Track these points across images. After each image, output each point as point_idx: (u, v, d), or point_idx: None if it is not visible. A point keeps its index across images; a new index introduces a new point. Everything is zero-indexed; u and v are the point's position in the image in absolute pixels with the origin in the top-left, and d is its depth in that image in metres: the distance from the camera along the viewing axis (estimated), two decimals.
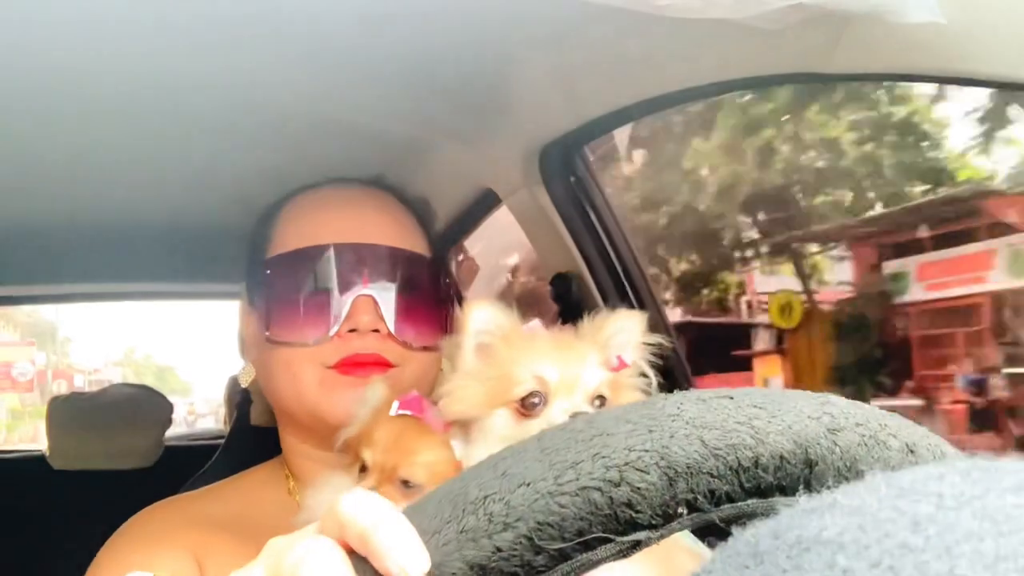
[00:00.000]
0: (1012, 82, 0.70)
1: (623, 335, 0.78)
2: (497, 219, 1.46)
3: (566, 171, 1.26)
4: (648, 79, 0.97)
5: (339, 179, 1.09)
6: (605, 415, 0.34)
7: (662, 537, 0.31)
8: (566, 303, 1.33)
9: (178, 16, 0.76)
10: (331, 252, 0.97)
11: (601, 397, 0.74)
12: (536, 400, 0.72)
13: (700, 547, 0.65)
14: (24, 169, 1.12)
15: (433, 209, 1.22)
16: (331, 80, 0.93)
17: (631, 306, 1.32)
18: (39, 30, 0.76)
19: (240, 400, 1.33)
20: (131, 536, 0.93)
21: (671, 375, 1.32)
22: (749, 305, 11.93)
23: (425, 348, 0.99)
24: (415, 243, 1.05)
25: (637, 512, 0.30)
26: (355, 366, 0.93)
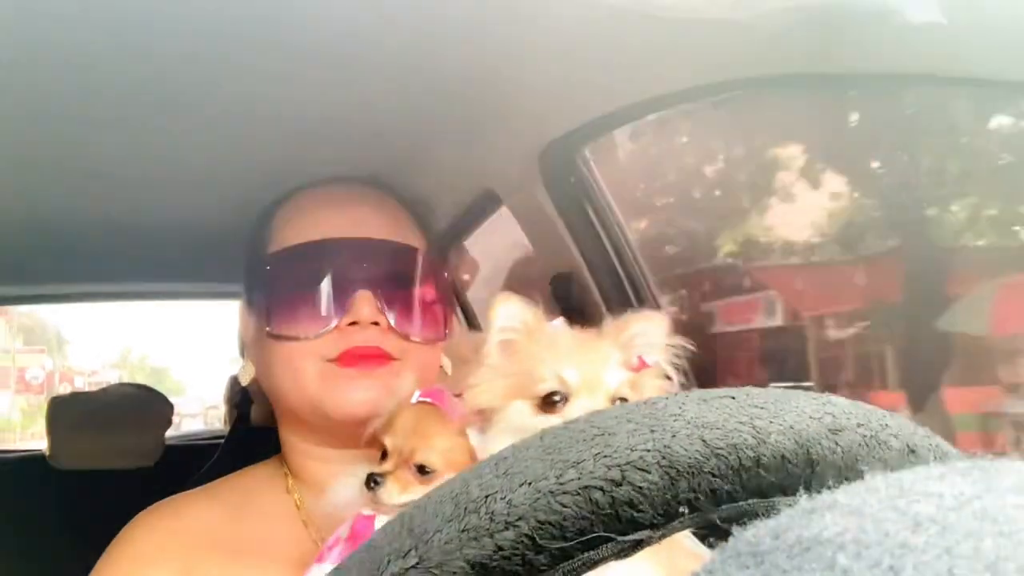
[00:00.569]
0: (1012, 82, 0.70)
1: (646, 336, 0.78)
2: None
3: (566, 171, 1.26)
4: (648, 79, 0.98)
5: (336, 178, 1.10)
6: (607, 414, 0.34)
7: (663, 536, 0.31)
8: (566, 303, 1.34)
9: (177, 16, 0.76)
10: (331, 247, 0.98)
11: (622, 398, 0.74)
12: (557, 398, 0.73)
13: (700, 547, 0.65)
14: (23, 169, 1.12)
15: (430, 206, 1.23)
16: (331, 80, 0.93)
17: (630, 306, 1.32)
18: (37, 30, 0.76)
19: (240, 400, 1.33)
20: (119, 555, 0.94)
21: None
22: None
23: (425, 341, 1.00)
24: (412, 238, 1.06)
25: (639, 511, 0.30)
26: (356, 359, 0.94)
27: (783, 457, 0.32)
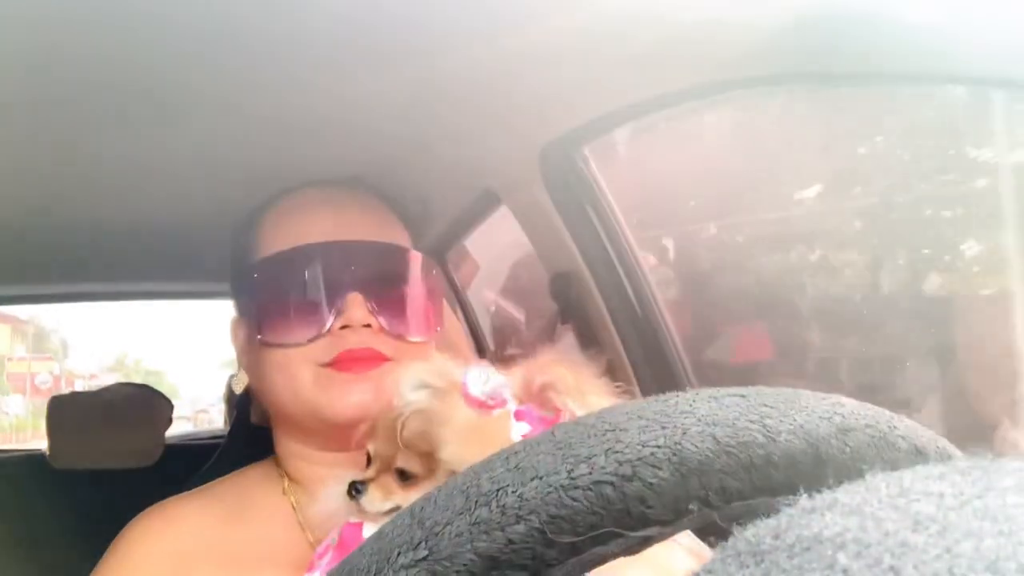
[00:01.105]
0: (1011, 82, 0.70)
1: (559, 384, 0.70)
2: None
3: (566, 171, 1.26)
4: (648, 79, 0.98)
5: (317, 181, 1.09)
6: (617, 410, 0.34)
7: (673, 533, 0.31)
8: (566, 302, 1.34)
9: (177, 16, 0.76)
10: (318, 251, 0.98)
11: None
12: None
13: (701, 546, 0.65)
14: (20, 169, 1.12)
15: (417, 204, 1.23)
16: (330, 80, 0.93)
17: (630, 305, 1.32)
18: (35, 31, 0.76)
19: (239, 400, 1.33)
20: (111, 564, 0.94)
21: (672, 375, 1.32)
22: None
23: (418, 341, 0.99)
24: (400, 238, 1.06)
25: (649, 508, 0.30)
26: (351, 362, 0.94)
27: (793, 456, 0.32)
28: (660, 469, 0.31)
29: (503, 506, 0.30)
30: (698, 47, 0.88)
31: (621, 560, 0.31)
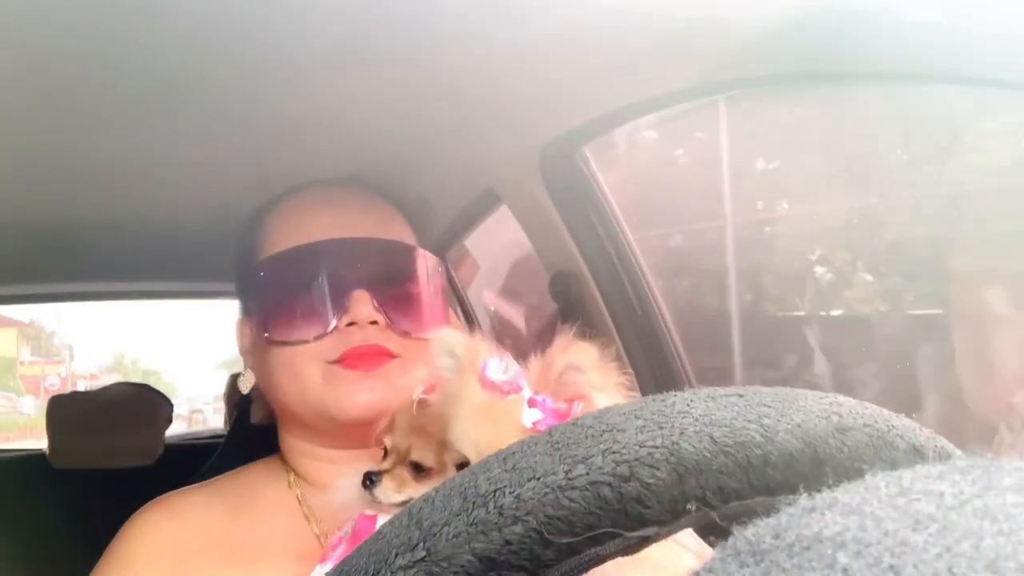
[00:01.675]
0: (1011, 82, 0.70)
1: (572, 373, 0.70)
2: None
3: (566, 170, 1.26)
4: (648, 79, 0.98)
5: (321, 180, 1.10)
6: (615, 411, 0.34)
7: (670, 533, 0.31)
8: (566, 302, 1.34)
9: (176, 16, 0.76)
10: (324, 248, 0.98)
11: None
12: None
13: (703, 545, 0.65)
14: (21, 169, 1.12)
15: (421, 203, 1.23)
16: (330, 80, 0.93)
17: (630, 305, 1.32)
18: (35, 32, 0.76)
19: (240, 399, 1.33)
20: (114, 556, 0.94)
21: (672, 375, 1.32)
22: None
23: (425, 338, 1.00)
24: (404, 236, 1.06)
25: (646, 508, 0.30)
26: (358, 359, 0.94)
27: (791, 456, 0.32)
28: (657, 469, 0.31)
29: (500, 507, 0.30)
30: (697, 47, 0.88)
31: (619, 560, 0.31)
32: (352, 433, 0.94)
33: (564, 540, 0.30)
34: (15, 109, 0.94)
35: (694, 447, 0.31)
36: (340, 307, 0.95)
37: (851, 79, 0.89)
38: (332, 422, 0.94)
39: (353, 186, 1.10)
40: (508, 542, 0.30)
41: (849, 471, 0.32)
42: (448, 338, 0.74)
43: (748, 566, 0.23)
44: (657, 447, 0.31)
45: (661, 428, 0.32)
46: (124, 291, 2.20)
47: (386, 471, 0.80)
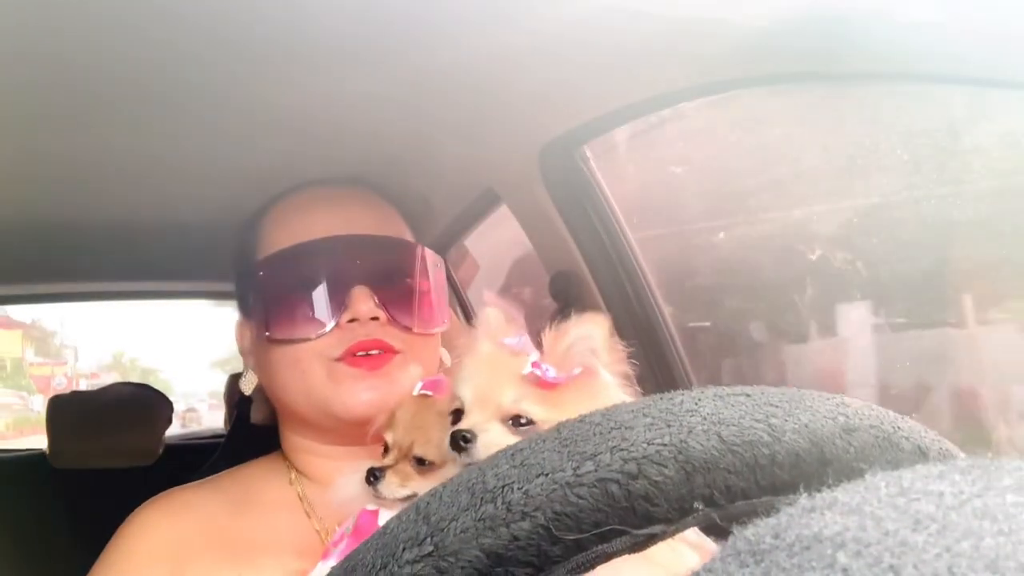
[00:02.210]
0: (1010, 83, 0.70)
1: (585, 342, 0.72)
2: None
3: (566, 170, 1.26)
4: (648, 78, 0.97)
5: (319, 180, 1.10)
6: (624, 408, 0.34)
7: (677, 531, 0.31)
8: (566, 302, 1.34)
9: (176, 16, 0.75)
10: (323, 246, 0.98)
11: (517, 416, 0.70)
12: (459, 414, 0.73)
13: (707, 542, 0.65)
14: (20, 169, 1.12)
15: (419, 202, 1.23)
16: (330, 80, 0.93)
17: (630, 305, 1.32)
18: (35, 32, 0.76)
19: (240, 399, 1.33)
20: (115, 552, 0.94)
21: (672, 374, 1.32)
22: None
23: (425, 332, 1.00)
24: (403, 233, 1.07)
25: (654, 505, 0.30)
26: (362, 357, 0.94)
27: (797, 455, 0.32)
28: (665, 467, 0.31)
29: (508, 503, 0.30)
30: (697, 47, 0.88)
31: (622, 558, 0.31)
32: (353, 431, 0.94)
33: (571, 537, 0.30)
34: (15, 110, 0.94)
35: (702, 445, 0.31)
36: (341, 304, 0.96)
37: (851, 79, 0.89)
38: (334, 420, 0.95)
39: (351, 185, 1.10)
40: (516, 538, 0.30)
41: (855, 471, 0.32)
42: (496, 314, 0.75)
43: (748, 566, 0.23)
44: (665, 445, 0.31)
45: (669, 426, 0.32)
46: (124, 291, 2.20)
47: (389, 467, 0.80)
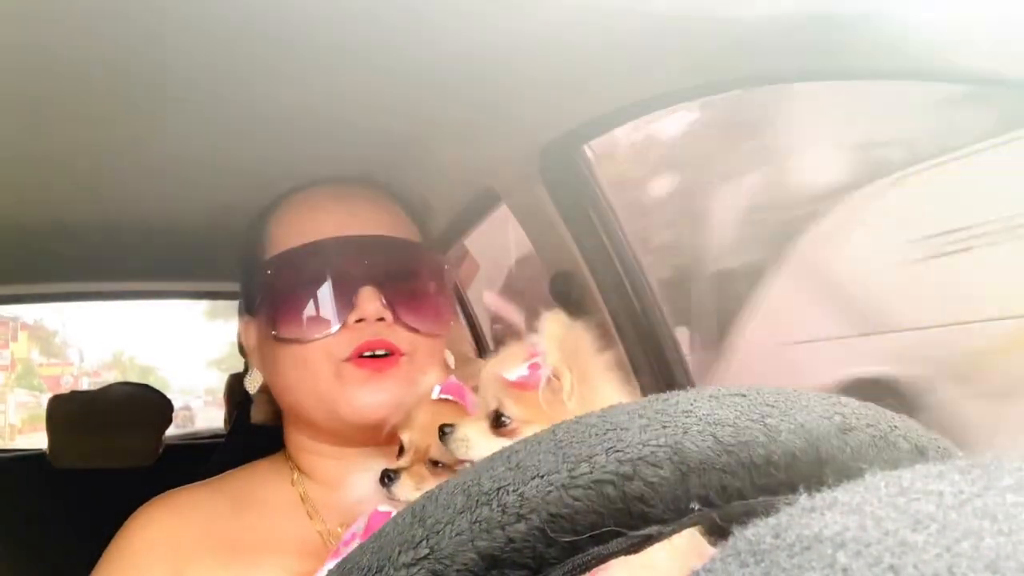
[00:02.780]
0: (1010, 82, 0.70)
1: (541, 341, 0.72)
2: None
3: (566, 170, 1.26)
4: (648, 78, 0.97)
5: (327, 179, 1.10)
6: (619, 410, 0.34)
7: (673, 532, 0.31)
8: (566, 302, 1.34)
9: (176, 16, 0.76)
10: (331, 245, 0.98)
11: (499, 414, 0.73)
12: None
13: (703, 544, 0.65)
14: (21, 169, 1.12)
15: (425, 202, 1.23)
16: (330, 79, 0.93)
17: (630, 305, 1.32)
18: (35, 28, 0.76)
19: (240, 399, 1.33)
20: (116, 553, 0.94)
21: (672, 374, 1.32)
22: None
23: (431, 334, 1.00)
24: (410, 234, 1.07)
25: (649, 507, 0.30)
26: (369, 359, 0.94)
27: (794, 455, 0.32)
28: (661, 468, 0.31)
29: (504, 505, 0.30)
30: (698, 47, 0.88)
31: (618, 560, 0.31)
32: (358, 432, 0.94)
33: (567, 538, 0.30)
34: (15, 109, 0.94)
35: (697, 446, 0.31)
36: (348, 304, 0.96)
37: (851, 78, 0.89)
38: (340, 421, 0.95)
39: (359, 184, 1.10)
40: (511, 540, 0.30)
41: (852, 471, 0.32)
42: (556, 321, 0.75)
43: (748, 566, 0.23)
44: (660, 446, 0.31)
45: (664, 427, 0.32)
46: (125, 291, 2.20)
47: (404, 468, 0.80)
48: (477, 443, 0.72)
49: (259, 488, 1.01)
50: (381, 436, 0.88)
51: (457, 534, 0.30)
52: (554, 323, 0.73)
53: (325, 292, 0.97)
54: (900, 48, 0.74)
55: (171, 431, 1.99)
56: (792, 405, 0.33)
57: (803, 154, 4.31)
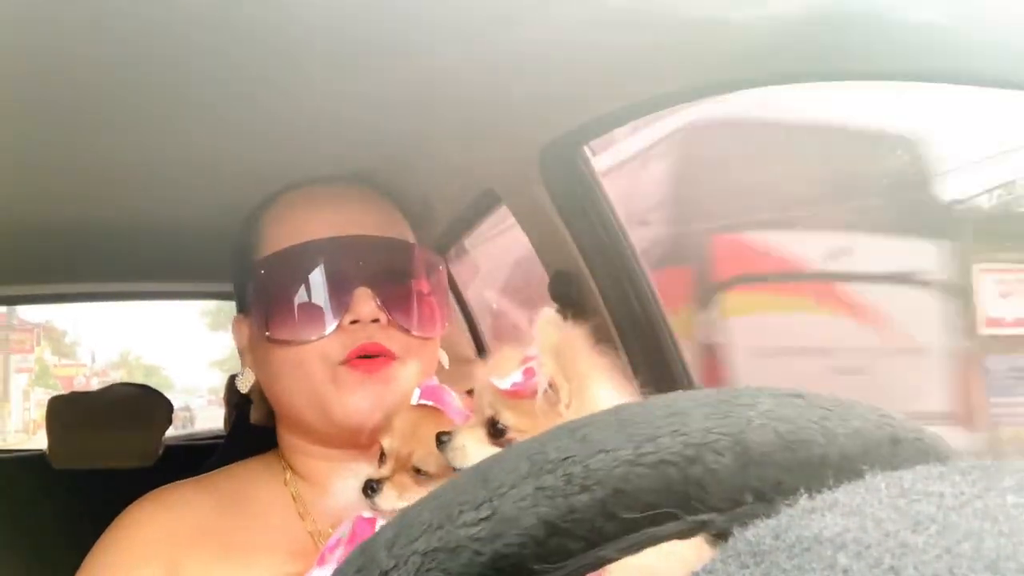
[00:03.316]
0: (1012, 82, 0.70)
1: (534, 346, 0.71)
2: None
3: (566, 170, 1.26)
4: (648, 78, 0.97)
5: (319, 178, 1.10)
6: (679, 397, 0.35)
7: (725, 524, 0.31)
8: (566, 302, 1.33)
9: (175, 16, 0.76)
10: (325, 246, 0.98)
11: (495, 422, 0.72)
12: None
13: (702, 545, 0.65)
14: (22, 169, 1.12)
15: (421, 202, 1.23)
16: (330, 80, 0.93)
17: (630, 305, 1.32)
18: (35, 32, 0.76)
19: (239, 399, 1.33)
20: (105, 551, 0.94)
21: (671, 374, 1.32)
22: None
23: (425, 336, 1.00)
24: (405, 234, 1.06)
25: (708, 493, 0.31)
26: (363, 360, 0.94)
27: (848, 459, 0.32)
28: (723, 456, 0.31)
29: (569, 475, 0.31)
30: (698, 47, 0.88)
31: (616, 564, 0.32)
32: (350, 435, 0.94)
33: (627, 515, 0.30)
34: (14, 110, 0.94)
35: (759, 439, 0.32)
36: (342, 305, 0.95)
37: (851, 79, 0.89)
38: (332, 424, 0.94)
39: (352, 183, 1.10)
40: (574, 510, 0.30)
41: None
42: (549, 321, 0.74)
43: (748, 567, 0.23)
44: (724, 434, 0.32)
45: (727, 417, 0.32)
46: (128, 291, 2.20)
47: (387, 478, 0.79)
48: (474, 452, 0.71)
49: (251, 487, 1.01)
50: (374, 440, 0.88)
51: (521, 499, 0.31)
52: (547, 328, 0.72)
53: (319, 293, 0.96)
54: (901, 49, 0.74)
55: (170, 432, 1.99)
56: (848, 412, 0.34)
57: None
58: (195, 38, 0.80)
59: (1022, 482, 0.24)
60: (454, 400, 0.82)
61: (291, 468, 1.02)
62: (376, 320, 0.95)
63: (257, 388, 1.07)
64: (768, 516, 0.26)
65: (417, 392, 0.83)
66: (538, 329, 0.72)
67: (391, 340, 0.95)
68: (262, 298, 1.01)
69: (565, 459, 0.31)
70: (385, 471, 0.80)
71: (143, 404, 1.89)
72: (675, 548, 0.57)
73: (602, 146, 1.30)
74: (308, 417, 0.97)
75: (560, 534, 0.30)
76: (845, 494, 0.25)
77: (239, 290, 1.07)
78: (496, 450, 0.69)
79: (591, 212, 1.30)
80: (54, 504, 1.75)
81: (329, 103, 0.99)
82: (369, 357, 0.94)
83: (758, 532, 0.25)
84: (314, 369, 0.94)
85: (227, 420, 2.38)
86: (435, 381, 0.86)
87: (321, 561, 0.83)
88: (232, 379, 2.46)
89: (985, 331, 4.27)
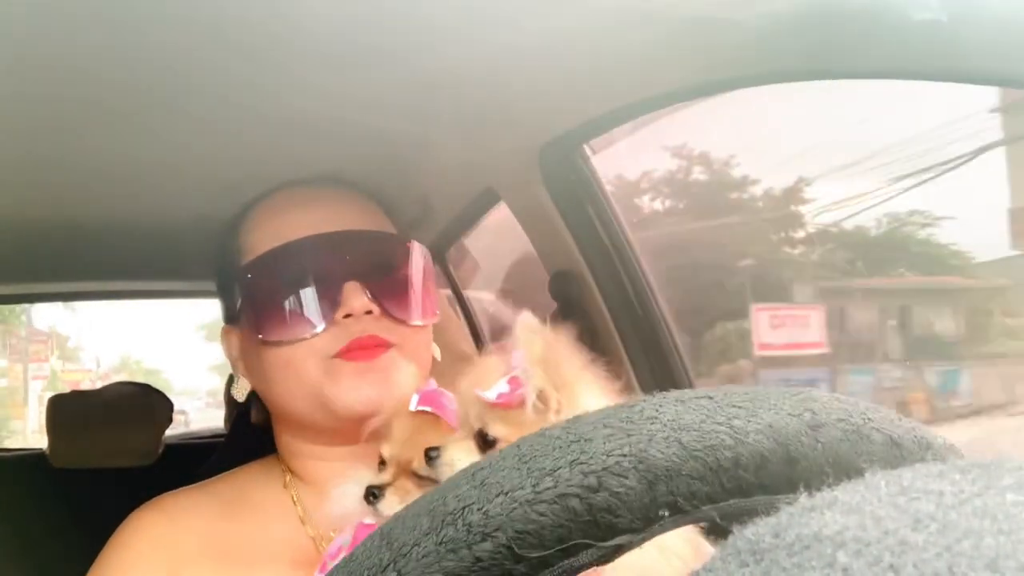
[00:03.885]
0: (1012, 81, 0.70)
1: (519, 353, 0.69)
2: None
3: (566, 170, 1.26)
4: (648, 78, 0.97)
5: (295, 180, 1.10)
6: (584, 420, 0.34)
7: (644, 540, 0.31)
8: (566, 301, 1.34)
9: (170, 15, 0.75)
10: (311, 244, 0.98)
11: (484, 433, 0.71)
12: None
13: (702, 543, 0.65)
14: (21, 169, 1.12)
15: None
16: (330, 79, 0.93)
17: (630, 304, 1.32)
18: (33, 31, 0.76)
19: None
20: (109, 560, 0.94)
21: (671, 374, 1.32)
22: None
23: (419, 325, 1.00)
24: (384, 226, 1.07)
25: (617, 517, 0.30)
26: (359, 349, 0.94)
27: (762, 456, 0.31)
28: (626, 478, 0.30)
29: (469, 524, 0.30)
30: (697, 47, 0.88)
31: (615, 564, 0.31)
32: (351, 430, 0.93)
33: (535, 554, 0.30)
34: (13, 111, 0.94)
35: (663, 453, 0.31)
36: (334, 300, 0.95)
37: (851, 78, 0.89)
38: (332, 418, 0.94)
39: (327, 183, 1.10)
40: (478, 559, 0.30)
41: (825, 468, 0.32)
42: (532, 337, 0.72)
43: (748, 565, 0.23)
44: (625, 455, 0.31)
45: (629, 435, 0.32)
46: (126, 290, 2.20)
47: (388, 484, 0.79)
48: (464, 466, 0.70)
49: (252, 491, 1.00)
50: (373, 435, 0.88)
51: (424, 556, 0.30)
52: (531, 337, 0.69)
53: (310, 291, 0.96)
54: (901, 49, 0.74)
55: (169, 432, 1.99)
56: (760, 405, 0.33)
57: None
58: (191, 38, 0.80)
59: (1021, 480, 0.24)
60: (452, 405, 0.82)
61: (290, 471, 1.02)
62: (369, 312, 0.95)
63: (256, 392, 1.07)
64: (767, 514, 0.26)
65: (415, 398, 0.82)
66: (521, 338, 0.70)
67: (385, 330, 0.96)
68: (253, 303, 1.00)
69: (464, 508, 0.31)
70: (387, 477, 0.79)
71: (143, 403, 1.89)
72: (675, 548, 0.57)
73: (602, 146, 1.29)
74: (308, 416, 0.97)
75: None
76: (844, 492, 0.25)
77: (226, 301, 1.07)
78: None
79: (591, 212, 1.30)
80: (54, 504, 1.75)
81: (329, 103, 0.99)
82: (364, 347, 0.94)
83: (758, 530, 0.25)
84: (309, 366, 0.94)
85: (227, 419, 2.38)
86: (433, 384, 0.86)
87: (323, 568, 0.83)
88: (232, 378, 2.46)
89: (759, 353, 6.15)
